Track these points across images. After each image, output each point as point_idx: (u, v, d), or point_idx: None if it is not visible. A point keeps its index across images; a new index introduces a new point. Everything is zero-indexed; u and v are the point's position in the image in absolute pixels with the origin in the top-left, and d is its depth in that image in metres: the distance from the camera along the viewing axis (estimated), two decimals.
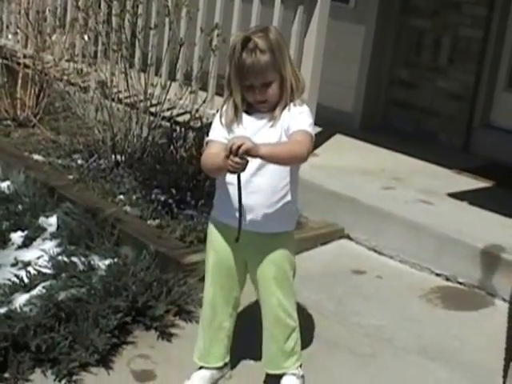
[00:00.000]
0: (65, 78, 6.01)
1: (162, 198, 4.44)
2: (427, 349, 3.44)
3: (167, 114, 5.32)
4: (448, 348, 3.46)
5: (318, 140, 5.63)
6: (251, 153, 2.58)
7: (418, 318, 3.70)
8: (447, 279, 4.05)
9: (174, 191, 4.44)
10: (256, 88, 2.77)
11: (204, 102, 5.13)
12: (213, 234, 3.01)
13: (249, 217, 2.84)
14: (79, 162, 5.19)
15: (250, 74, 2.73)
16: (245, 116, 2.85)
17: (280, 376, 3.04)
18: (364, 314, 3.70)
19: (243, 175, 2.73)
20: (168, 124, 5.16)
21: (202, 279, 3.72)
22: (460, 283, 4.01)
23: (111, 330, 3.29)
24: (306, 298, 3.66)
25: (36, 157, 5.25)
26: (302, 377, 3.05)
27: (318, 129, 5.74)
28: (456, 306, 3.85)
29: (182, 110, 5.44)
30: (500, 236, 4.07)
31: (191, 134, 5.02)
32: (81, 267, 3.75)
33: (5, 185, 4.71)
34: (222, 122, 2.87)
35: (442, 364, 3.33)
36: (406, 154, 5.49)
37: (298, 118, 2.80)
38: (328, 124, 5.83)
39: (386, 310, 3.75)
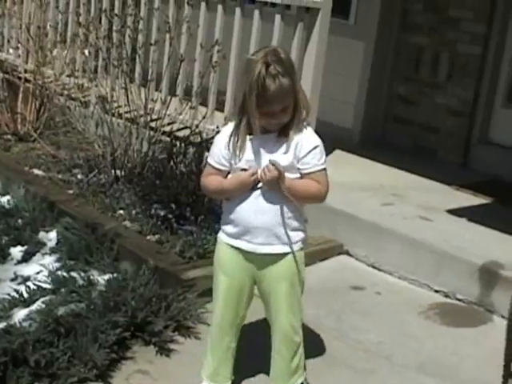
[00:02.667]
0: (65, 92, 6.06)
1: (162, 213, 4.46)
2: (425, 365, 3.44)
3: (167, 129, 5.35)
4: (446, 364, 3.46)
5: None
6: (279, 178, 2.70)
7: (417, 334, 3.71)
8: (446, 296, 4.06)
9: (173, 206, 4.46)
10: (276, 113, 2.75)
11: (204, 117, 5.15)
12: (221, 256, 3.01)
13: (258, 238, 2.86)
14: (79, 176, 5.20)
15: (274, 99, 2.70)
16: (254, 140, 2.83)
17: None
18: (363, 329, 3.71)
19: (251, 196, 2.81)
20: (168, 139, 5.18)
21: (202, 295, 3.79)
22: (459, 300, 4.02)
23: (110, 346, 3.28)
24: (304, 313, 3.64)
25: (36, 171, 5.27)
26: None
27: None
28: (454, 323, 3.85)
29: (181, 125, 5.47)
30: (499, 252, 4.09)
31: (191, 150, 5.04)
32: (80, 282, 3.75)
33: (5, 199, 4.71)
34: (228, 147, 2.84)
35: (441, 380, 3.33)
36: (404, 169, 5.51)
37: (314, 155, 2.83)
38: (327, 140, 5.84)
39: (384, 326, 3.75)
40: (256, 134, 2.79)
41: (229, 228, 2.93)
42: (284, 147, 2.80)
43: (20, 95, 6.17)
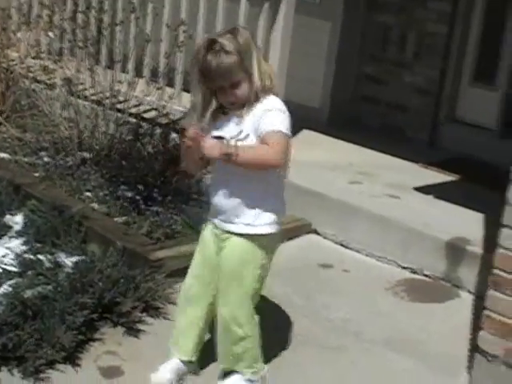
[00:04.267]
0: (30, 75, 5.98)
1: (129, 195, 4.44)
2: (393, 340, 3.47)
3: (134, 110, 5.31)
4: (413, 339, 3.50)
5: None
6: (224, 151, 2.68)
7: (385, 310, 3.74)
8: (413, 272, 4.09)
9: (140, 188, 4.44)
10: (226, 89, 2.77)
11: (171, 98, 5.12)
12: (203, 232, 3.07)
13: (223, 216, 2.90)
14: (46, 159, 5.14)
15: (217, 75, 2.73)
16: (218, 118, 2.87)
17: None
18: (332, 307, 3.73)
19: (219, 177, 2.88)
20: (135, 121, 5.14)
21: (170, 275, 3.79)
22: (426, 276, 4.05)
23: (78, 327, 3.26)
24: (273, 292, 3.67)
25: (2, 155, 5.19)
26: (252, 382, 3.01)
27: None
28: (422, 299, 3.89)
29: (148, 107, 5.43)
30: (465, 228, 4.12)
31: (158, 131, 5.02)
32: (47, 265, 3.72)
33: None
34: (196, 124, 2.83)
35: (408, 355, 3.36)
36: (373, 148, 5.53)
37: (267, 117, 2.77)
38: (295, 120, 5.85)
39: (353, 303, 3.77)
40: (212, 109, 2.85)
41: (211, 207, 3.01)
42: (236, 119, 2.82)
43: None
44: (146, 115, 5.34)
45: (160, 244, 3.97)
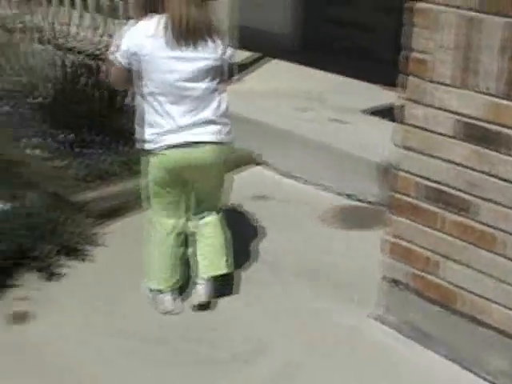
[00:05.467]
0: None
1: (67, 138, 4.37)
2: (307, 271, 3.38)
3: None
4: (332, 269, 3.39)
5: (246, 66, 5.53)
6: None
7: (311, 240, 3.64)
8: (349, 197, 3.98)
9: (79, 130, 4.36)
10: None
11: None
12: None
13: None
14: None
15: None
16: None
17: None
18: (257, 238, 3.65)
19: None
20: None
21: (95, 217, 3.75)
22: (360, 201, 3.94)
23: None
24: None
25: None
26: None
27: (246, 53, 5.64)
28: (353, 226, 3.79)
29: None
30: None
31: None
32: None
33: None
34: None
35: (317, 286, 3.27)
36: (334, 72, 5.33)
37: None
38: (260, 47, 5.71)
39: (278, 235, 3.69)
40: None
41: None
42: None
43: None
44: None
45: (86, 185, 3.93)
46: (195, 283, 3.18)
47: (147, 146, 2.95)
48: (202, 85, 2.87)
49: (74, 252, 3.58)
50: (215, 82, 2.93)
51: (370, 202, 3.89)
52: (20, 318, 3.17)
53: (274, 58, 5.81)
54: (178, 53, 2.80)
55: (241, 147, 4.41)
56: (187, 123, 2.87)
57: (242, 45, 5.17)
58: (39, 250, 3.47)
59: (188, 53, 2.81)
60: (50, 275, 3.43)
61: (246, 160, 4.44)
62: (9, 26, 5.81)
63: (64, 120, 4.45)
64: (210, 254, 3.15)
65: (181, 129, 2.87)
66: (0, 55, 5.49)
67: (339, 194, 4.01)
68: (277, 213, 3.91)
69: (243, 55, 5.54)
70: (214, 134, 2.92)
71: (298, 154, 4.23)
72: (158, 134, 2.90)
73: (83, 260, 3.57)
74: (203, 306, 3.14)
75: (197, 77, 2.85)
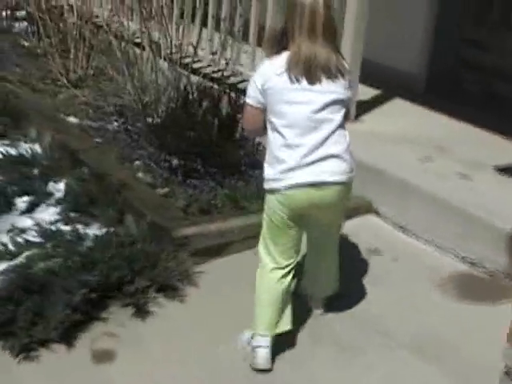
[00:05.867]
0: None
1: (175, 165, 4.19)
2: (424, 345, 3.05)
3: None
4: (449, 346, 3.04)
5: (368, 104, 5.23)
6: None
7: (425, 309, 3.29)
8: (472, 264, 3.59)
9: (188, 158, 4.18)
10: None
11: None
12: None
13: None
14: (114, 124, 5.03)
15: None
16: None
17: None
18: (365, 300, 3.34)
19: None
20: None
21: (195, 254, 3.54)
22: (485, 270, 3.54)
23: (76, 306, 3.09)
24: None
25: (71, 119, 5.13)
26: None
27: (368, 89, 5.34)
28: (473, 298, 3.40)
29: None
30: None
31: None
32: (68, 237, 3.58)
33: (26, 147, 4.61)
34: None
35: (436, 364, 2.94)
36: (465, 120, 4.95)
37: None
38: (383, 84, 5.41)
39: (390, 299, 3.36)
40: None
41: None
42: None
43: (72, 41, 6.04)
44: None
45: (188, 217, 3.72)
46: None
47: (271, 185, 2.84)
48: (331, 117, 2.78)
49: (166, 289, 3.38)
50: (341, 116, 2.83)
51: (494, 273, 3.50)
52: (101, 357, 2.99)
53: (398, 97, 5.48)
54: (302, 85, 2.74)
55: (357, 194, 4.14)
56: (314, 159, 2.75)
57: (364, 79, 4.90)
58: (136, 284, 3.29)
59: (312, 86, 2.75)
60: (140, 312, 3.24)
61: (361, 208, 4.14)
62: (137, 42, 5.73)
63: (174, 145, 4.27)
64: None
65: (306, 165, 2.75)
66: (124, 71, 5.41)
67: (460, 259, 3.63)
68: (389, 272, 3.58)
69: (364, 91, 5.25)
70: (341, 173, 2.82)
71: (418, 208, 3.89)
72: (281, 171, 2.78)
73: (173, 298, 3.36)
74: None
75: (324, 109, 2.76)
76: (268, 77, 2.78)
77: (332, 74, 2.75)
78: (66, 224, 3.80)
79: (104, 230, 3.68)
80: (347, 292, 3.36)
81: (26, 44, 6.92)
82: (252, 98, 2.86)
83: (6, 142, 4.88)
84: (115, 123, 5.04)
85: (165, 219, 3.70)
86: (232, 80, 5.17)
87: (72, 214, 3.90)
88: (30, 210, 3.97)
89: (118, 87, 5.64)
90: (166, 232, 3.60)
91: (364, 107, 5.10)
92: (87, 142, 4.70)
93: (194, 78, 5.06)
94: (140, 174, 4.21)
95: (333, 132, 2.78)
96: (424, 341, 3.08)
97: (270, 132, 2.84)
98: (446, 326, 3.17)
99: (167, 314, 3.26)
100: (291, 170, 2.77)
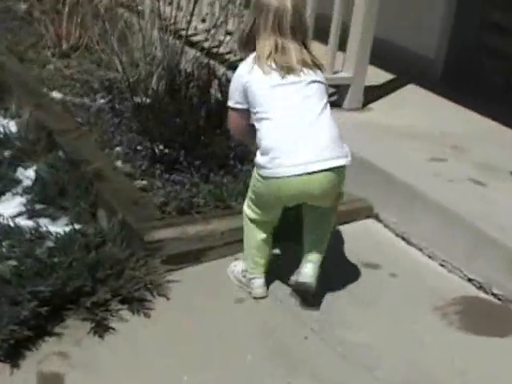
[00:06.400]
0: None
1: (158, 154, 3.79)
2: None
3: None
4: None
5: (377, 90, 4.79)
6: None
7: (422, 339, 2.88)
8: (479, 287, 3.18)
9: (172, 147, 3.78)
10: None
11: None
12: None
13: None
14: (100, 101, 4.63)
15: None
16: None
17: None
18: (353, 324, 2.94)
19: None
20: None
21: (168, 260, 3.17)
22: (494, 295, 3.12)
23: (24, 320, 2.72)
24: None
25: (55, 94, 4.75)
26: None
27: (378, 72, 4.91)
28: (479, 327, 2.97)
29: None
30: None
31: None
32: (27, 235, 3.20)
33: (0, 127, 4.23)
34: None
35: None
36: (484, 114, 4.50)
37: None
38: (402, 70, 4.96)
39: (381, 324, 2.95)
40: None
41: None
42: None
43: (66, 7, 5.62)
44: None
45: (167, 220, 3.32)
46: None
47: (261, 172, 2.81)
48: (312, 106, 2.77)
49: (131, 301, 3.00)
50: (324, 103, 2.81)
51: (505, 299, 3.08)
52: (51, 379, 2.63)
53: (412, 84, 5.03)
54: (275, 79, 2.76)
55: (356, 195, 3.74)
56: (303, 149, 2.73)
57: (375, 61, 4.46)
58: (96, 296, 2.92)
59: (287, 79, 2.76)
60: (98, 327, 2.86)
61: (361, 212, 3.73)
62: (133, 9, 5.31)
63: (157, 131, 3.86)
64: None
65: (296, 156, 2.72)
66: (117, 41, 4.97)
67: (467, 280, 3.22)
68: (385, 290, 3.18)
69: (375, 74, 4.82)
70: (333, 158, 2.76)
71: (424, 217, 3.47)
72: (272, 158, 2.75)
73: (138, 312, 2.97)
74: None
75: (304, 98, 2.77)
76: (244, 79, 2.81)
77: (306, 64, 2.77)
78: (30, 218, 3.44)
79: (70, 228, 3.29)
80: (334, 311, 2.99)
81: (24, 7, 6.55)
82: (231, 99, 2.90)
83: None
84: (101, 100, 4.65)
85: (138, 218, 3.31)
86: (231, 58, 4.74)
87: (38, 206, 3.54)
88: None
89: (109, 60, 5.24)
90: (137, 234, 3.21)
91: (373, 93, 4.68)
92: (67, 121, 4.31)
93: (191, 53, 4.65)
94: (119, 163, 3.82)
95: (317, 120, 2.77)
96: (414, 379, 2.67)
97: (257, 122, 2.82)
98: (445, 362, 2.75)
99: (129, 330, 2.88)
100: (281, 159, 2.78)
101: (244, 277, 3.12)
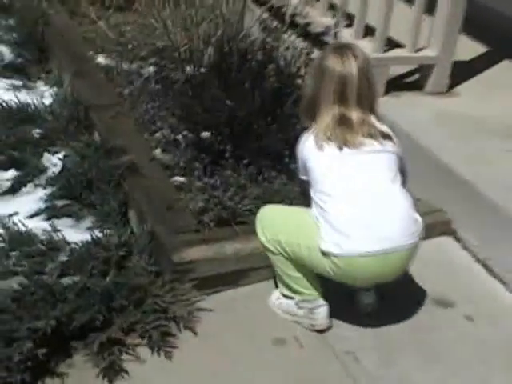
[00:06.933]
0: None
1: (202, 147, 3.26)
2: None
3: None
4: None
5: (468, 68, 4.10)
6: None
7: None
8: None
9: (227, 144, 3.22)
10: None
11: None
12: None
13: None
14: (150, 69, 4.10)
15: None
16: None
17: None
18: None
19: None
20: None
21: (197, 286, 2.69)
22: None
23: (18, 362, 2.30)
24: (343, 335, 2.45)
25: (100, 59, 4.26)
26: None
27: (477, 47, 4.22)
28: None
29: None
30: None
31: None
32: (40, 245, 2.76)
33: (33, 98, 3.78)
34: None
35: None
36: None
37: None
38: (499, 43, 4.25)
39: None
40: None
41: None
42: None
43: None
44: None
45: (201, 234, 2.81)
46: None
47: (328, 248, 2.44)
48: (380, 177, 2.51)
49: (149, 334, 2.54)
50: (393, 175, 2.51)
51: None
52: None
53: (511, 60, 4.31)
54: (335, 155, 2.50)
55: (433, 206, 3.15)
56: (373, 224, 2.42)
57: (465, 29, 3.80)
58: (109, 332, 2.46)
59: (347, 152, 2.50)
60: (107, 369, 2.41)
61: (436, 227, 3.13)
62: None
63: (202, 118, 3.31)
64: None
65: (367, 231, 2.42)
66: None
67: None
68: (457, 340, 2.61)
69: (467, 46, 4.12)
70: (409, 235, 2.48)
71: (504, 234, 2.86)
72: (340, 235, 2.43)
73: (158, 351, 2.51)
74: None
75: (368, 171, 2.50)
76: (301, 151, 2.61)
77: (372, 135, 2.51)
78: (49, 218, 3.00)
79: (90, 235, 2.83)
80: (392, 366, 2.46)
81: None
82: (299, 169, 2.69)
83: (19, 82, 4.09)
84: (150, 68, 4.13)
85: (169, 229, 2.81)
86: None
87: (60, 203, 3.09)
88: (15, 190, 3.18)
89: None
90: (165, 250, 2.72)
91: (462, 72, 4.00)
92: (108, 94, 3.83)
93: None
94: (157, 151, 3.32)
95: (388, 192, 2.51)
96: None
97: (318, 200, 2.52)
98: None
99: (145, 374, 2.44)
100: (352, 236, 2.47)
101: (300, 308, 2.65)
